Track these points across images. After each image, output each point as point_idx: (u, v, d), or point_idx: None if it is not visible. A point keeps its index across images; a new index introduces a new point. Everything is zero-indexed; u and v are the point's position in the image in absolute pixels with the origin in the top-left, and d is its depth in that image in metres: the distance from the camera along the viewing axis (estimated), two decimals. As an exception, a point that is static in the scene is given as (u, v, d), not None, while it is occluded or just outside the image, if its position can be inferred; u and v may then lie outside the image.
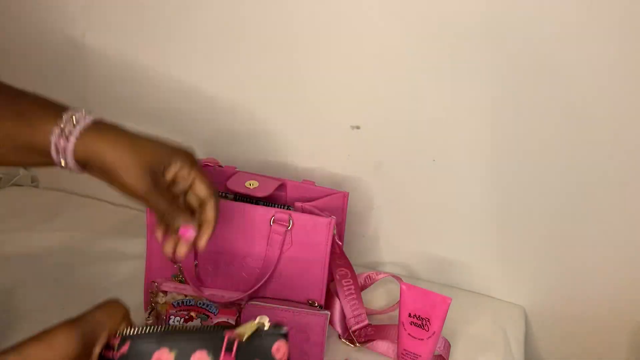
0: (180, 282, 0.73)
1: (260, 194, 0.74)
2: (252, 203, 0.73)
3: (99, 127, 0.52)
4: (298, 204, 0.73)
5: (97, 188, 1.05)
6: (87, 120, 0.51)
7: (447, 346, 0.74)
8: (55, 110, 0.51)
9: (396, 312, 0.71)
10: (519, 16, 0.66)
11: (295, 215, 0.70)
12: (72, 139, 0.50)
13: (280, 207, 0.72)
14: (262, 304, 0.70)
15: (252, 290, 0.70)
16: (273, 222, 0.70)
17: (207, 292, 0.72)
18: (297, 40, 0.77)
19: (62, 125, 0.50)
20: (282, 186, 0.79)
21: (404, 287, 0.68)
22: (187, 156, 0.56)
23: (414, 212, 0.85)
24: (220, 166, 0.82)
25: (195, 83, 0.86)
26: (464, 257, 0.87)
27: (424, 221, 0.86)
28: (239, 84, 0.84)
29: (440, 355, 0.72)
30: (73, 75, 0.94)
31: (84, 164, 0.52)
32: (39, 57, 0.94)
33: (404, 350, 0.69)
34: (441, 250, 0.87)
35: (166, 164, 0.55)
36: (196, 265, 0.73)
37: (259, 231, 0.70)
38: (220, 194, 0.76)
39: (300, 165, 0.87)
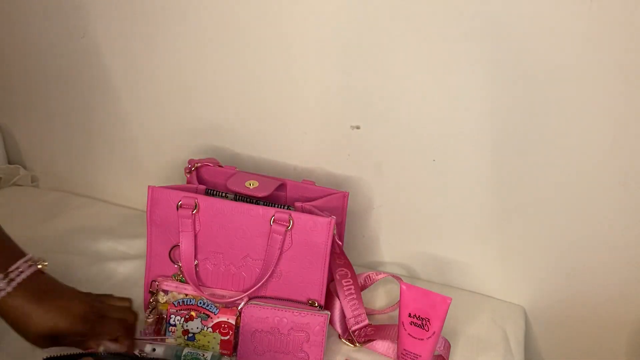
0: (181, 281, 0.73)
1: (260, 194, 0.74)
2: (252, 203, 0.73)
3: (19, 294, 0.60)
4: (298, 204, 0.73)
5: (97, 188, 1.05)
6: (11, 287, 0.60)
7: (447, 346, 0.74)
8: None
9: (396, 312, 0.71)
10: (519, 16, 0.66)
11: (295, 215, 0.70)
12: None
13: (280, 207, 0.72)
14: (262, 304, 0.70)
15: (252, 290, 0.70)
16: (273, 222, 0.70)
17: (207, 291, 0.72)
18: (297, 40, 0.77)
19: None
20: (282, 186, 0.79)
21: (404, 287, 0.68)
22: (77, 329, 0.63)
23: (414, 212, 0.85)
24: (220, 166, 0.82)
25: (195, 83, 0.87)
26: (464, 257, 0.87)
27: (424, 221, 0.86)
28: (239, 84, 0.84)
29: (440, 355, 0.72)
30: (73, 75, 0.94)
31: None
32: (38, 57, 0.94)
33: (404, 350, 0.69)
34: (441, 250, 0.87)
35: (62, 336, 0.63)
36: (196, 265, 0.73)
37: (259, 231, 0.70)
38: (220, 194, 0.76)
39: (300, 165, 0.87)
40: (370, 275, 0.83)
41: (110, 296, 0.71)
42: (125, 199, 1.03)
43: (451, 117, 0.75)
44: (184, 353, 0.68)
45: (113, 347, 0.65)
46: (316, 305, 0.72)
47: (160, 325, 0.73)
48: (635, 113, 0.68)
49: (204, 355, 0.67)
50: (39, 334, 0.61)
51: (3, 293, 0.59)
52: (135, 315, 0.70)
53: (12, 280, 0.60)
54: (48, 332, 0.61)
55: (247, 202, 0.74)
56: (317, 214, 0.71)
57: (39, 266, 0.64)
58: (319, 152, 0.85)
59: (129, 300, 0.72)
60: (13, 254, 0.63)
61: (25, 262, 0.63)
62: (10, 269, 0.61)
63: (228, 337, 0.70)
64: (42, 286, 0.63)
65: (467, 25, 0.68)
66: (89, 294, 0.68)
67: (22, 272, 0.61)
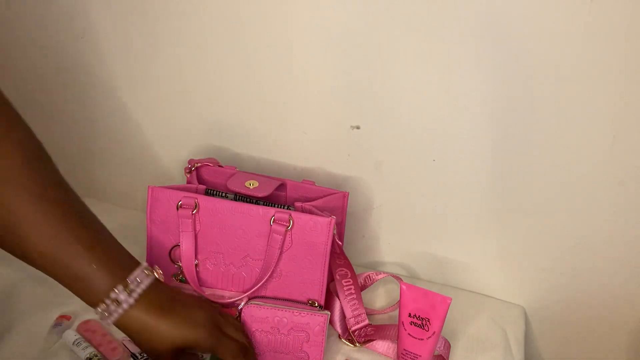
0: (181, 281, 0.73)
1: (260, 194, 0.74)
2: (252, 203, 0.73)
3: (142, 306, 0.57)
4: (298, 204, 0.73)
5: (97, 188, 1.05)
6: (132, 299, 0.56)
7: (447, 346, 0.74)
8: (108, 282, 0.56)
9: (396, 312, 0.71)
10: (519, 16, 0.66)
11: (295, 215, 0.70)
12: (112, 319, 0.56)
13: (280, 207, 0.72)
14: (262, 304, 0.70)
15: (252, 290, 0.71)
16: (273, 222, 0.70)
17: (207, 291, 0.72)
18: (297, 40, 0.77)
19: (108, 304, 0.55)
20: (282, 186, 0.79)
21: (404, 287, 0.68)
22: (206, 342, 0.60)
23: (414, 212, 0.85)
24: (220, 166, 0.82)
25: (195, 83, 0.86)
26: (464, 257, 0.87)
27: (424, 221, 0.86)
28: (239, 84, 0.84)
29: (440, 355, 0.72)
30: (72, 75, 0.94)
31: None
32: (38, 57, 0.94)
33: (404, 350, 0.69)
34: (441, 250, 0.87)
35: (188, 347, 0.59)
36: (196, 265, 0.73)
37: (259, 231, 0.71)
38: (220, 193, 0.76)
39: (300, 165, 0.87)
40: (370, 275, 0.83)
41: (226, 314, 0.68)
42: (125, 199, 1.03)
43: (451, 117, 0.75)
44: None
45: None
46: (316, 305, 0.72)
47: None
48: (634, 113, 0.68)
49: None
50: (167, 348, 0.57)
51: (125, 306, 0.55)
52: (250, 342, 0.67)
53: (132, 291, 0.56)
54: (176, 346, 0.58)
55: (247, 202, 0.74)
56: (317, 214, 0.71)
57: (156, 275, 0.60)
58: (319, 152, 0.85)
59: (240, 322, 0.69)
60: (130, 263, 0.59)
61: (142, 271, 0.58)
62: (129, 279, 0.57)
63: (228, 337, 0.70)
64: (164, 296, 0.59)
65: (467, 25, 0.68)
66: (208, 301, 0.66)
67: (140, 282, 0.57)
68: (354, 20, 0.73)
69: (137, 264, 0.59)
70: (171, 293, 0.61)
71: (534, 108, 0.71)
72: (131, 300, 0.56)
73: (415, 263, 0.91)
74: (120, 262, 0.58)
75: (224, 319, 0.64)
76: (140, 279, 0.57)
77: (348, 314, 0.75)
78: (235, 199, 0.75)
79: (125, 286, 0.56)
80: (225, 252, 0.72)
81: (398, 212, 0.86)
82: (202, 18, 0.80)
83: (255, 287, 0.70)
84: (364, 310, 0.75)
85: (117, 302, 0.55)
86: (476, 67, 0.71)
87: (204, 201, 0.71)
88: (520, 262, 0.84)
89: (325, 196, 0.78)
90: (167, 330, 0.57)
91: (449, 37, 0.70)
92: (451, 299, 0.66)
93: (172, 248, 0.73)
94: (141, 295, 0.57)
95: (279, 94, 0.82)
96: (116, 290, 0.55)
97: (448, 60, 0.72)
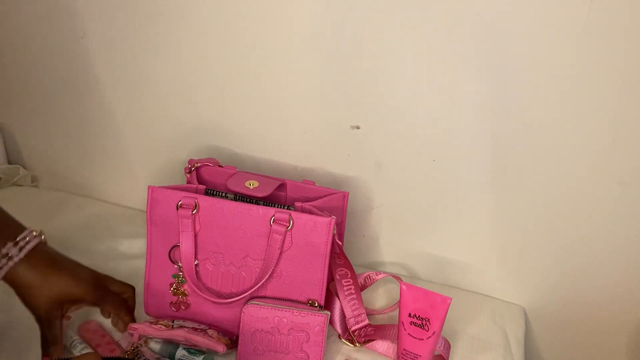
0: (181, 282, 0.74)
1: (260, 194, 0.74)
2: (252, 203, 0.73)
3: (30, 262, 0.63)
4: (298, 204, 0.73)
5: (97, 188, 1.05)
6: (23, 254, 0.62)
7: (447, 346, 0.74)
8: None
9: (396, 312, 0.71)
10: (519, 16, 0.66)
11: (295, 215, 0.70)
12: (1, 274, 0.61)
13: (280, 207, 0.72)
14: (262, 304, 0.70)
15: (252, 290, 0.70)
16: (273, 222, 0.70)
17: (207, 292, 0.72)
18: (297, 40, 0.77)
19: None
20: (282, 186, 0.79)
21: (404, 287, 0.68)
22: (91, 296, 0.66)
23: (414, 212, 0.85)
24: (220, 166, 0.82)
25: (194, 83, 0.87)
26: (464, 257, 0.87)
27: (424, 221, 0.86)
28: (239, 84, 0.84)
29: (440, 355, 0.72)
30: (73, 74, 0.94)
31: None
32: (38, 57, 0.94)
33: (404, 350, 0.69)
34: (441, 250, 0.87)
35: (72, 301, 0.66)
36: (196, 265, 0.73)
37: (259, 231, 0.70)
38: (220, 194, 0.76)
39: (300, 165, 0.87)
40: (370, 275, 0.82)
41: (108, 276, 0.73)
42: (125, 199, 1.03)
43: (451, 117, 0.75)
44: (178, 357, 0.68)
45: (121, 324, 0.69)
46: (316, 305, 0.72)
47: None
48: (634, 113, 0.68)
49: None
50: (51, 300, 0.62)
51: (16, 259, 0.61)
52: (133, 291, 0.73)
53: (22, 248, 0.62)
54: (60, 301, 0.63)
55: (247, 202, 0.74)
56: (317, 214, 0.71)
57: (42, 237, 0.66)
58: (319, 152, 0.85)
59: (128, 285, 0.73)
60: (18, 226, 0.66)
61: (30, 232, 0.65)
62: (19, 238, 0.63)
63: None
64: (50, 254, 0.66)
65: (467, 25, 0.68)
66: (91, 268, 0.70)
67: (29, 241, 0.63)
68: (353, 22, 0.73)
69: (24, 227, 0.66)
70: (56, 254, 0.67)
71: (534, 108, 0.71)
72: (21, 255, 0.62)
73: (415, 263, 0.91)
74: (10, 225, 0.65)
75: (106, 276, 0.70)
76: (28, 238, 0.64)
77: (348, 314, 0.75)
78: (235, 199, 0.75)
79: (16, 244, 0.62)
80: (225, 252, 0.72)
81: (398, 212, 0.86)
82: (202, 19, 0.80)
83: (255, 287, 0.70)
84: (364, 310, 0.75)
85: (8, 257, 0.61)
86: (476, 68, 0.71)
87: (204, 201, 0.71)
88: (520, 262, 0.84)
89: (325, 196, 0.78)
90: (54, 284, 0.63)
91: (449, 37, 0.70)
92: (451, 299, 0.66)
93: (172, 248, 0.73)
94: (30, 252, 0.63)
95: (279, 94, 0.82)
96: (7, 246, 0.62)
97: (448, 61, 0.72)
